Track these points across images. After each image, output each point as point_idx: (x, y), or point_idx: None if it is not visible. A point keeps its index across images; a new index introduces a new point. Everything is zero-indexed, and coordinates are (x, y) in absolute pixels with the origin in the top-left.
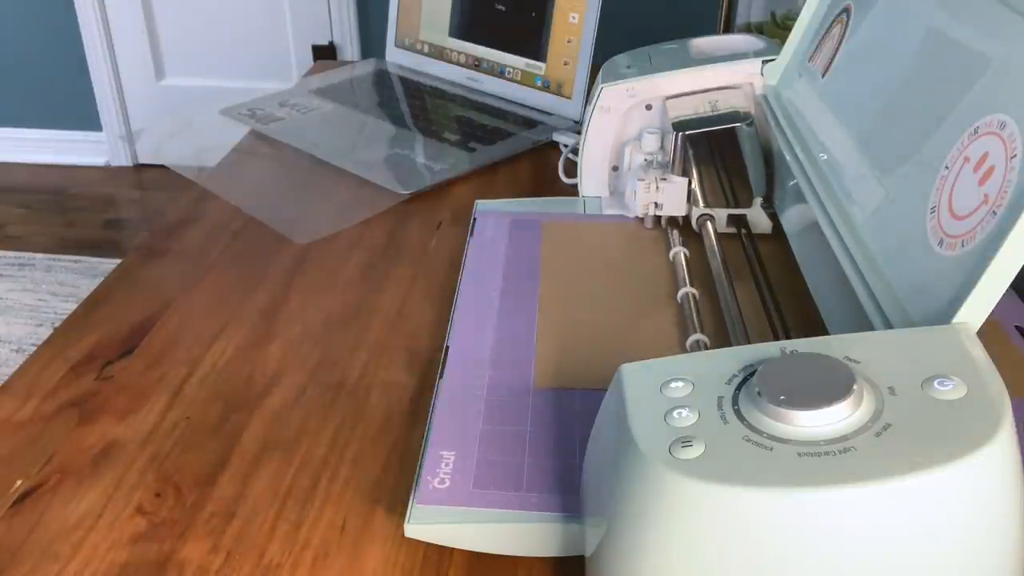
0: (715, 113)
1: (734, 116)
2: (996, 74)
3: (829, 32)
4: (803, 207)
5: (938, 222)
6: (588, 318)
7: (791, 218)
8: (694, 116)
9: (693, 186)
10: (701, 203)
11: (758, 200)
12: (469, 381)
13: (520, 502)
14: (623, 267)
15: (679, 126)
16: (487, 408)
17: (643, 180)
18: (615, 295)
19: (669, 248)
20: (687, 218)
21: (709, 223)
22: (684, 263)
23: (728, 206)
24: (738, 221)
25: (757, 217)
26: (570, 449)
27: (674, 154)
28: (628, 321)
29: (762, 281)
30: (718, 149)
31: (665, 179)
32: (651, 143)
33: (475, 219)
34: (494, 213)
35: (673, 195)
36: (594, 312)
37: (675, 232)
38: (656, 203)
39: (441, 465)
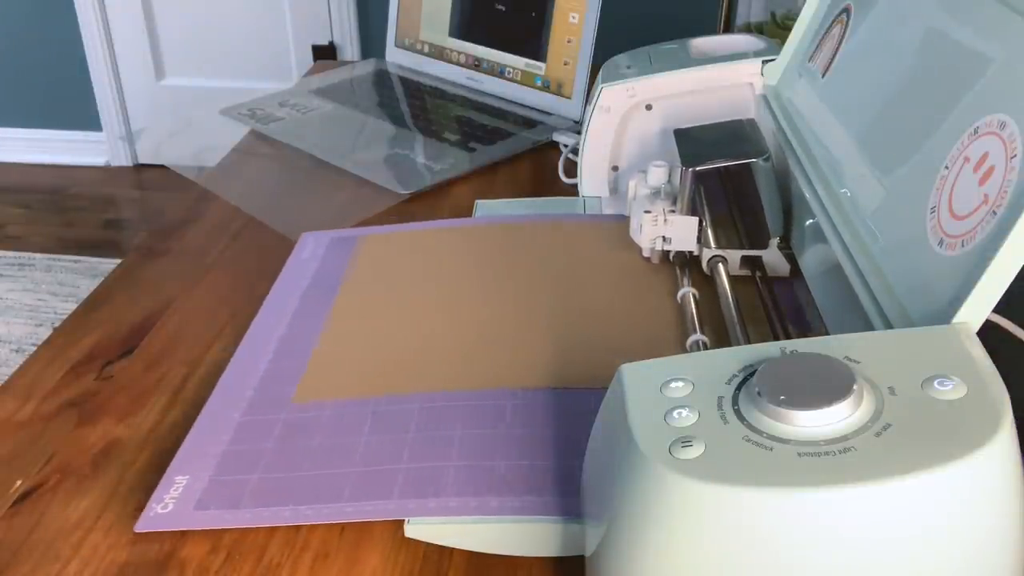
0: (728, 146)
1: (750, 151)
2: (996, 74)
3: (829, 32)
4: (824, 247)
5: (938, 222)
6: (377, 332)
7: (811, 260)
8: (703, 148)
9: (704, 225)
10: (713, 244)
11: (775, 241)
12: (230, 403)
13: (235, 518)
14: (433, 276)
15: (689, 161)
16: (237, 428)
17: (650, 212)
18: (418, 306)
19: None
20: (697, 257)
21: (721, 265)
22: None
23: (742, 247)
24: (753, 263)
25: (773, 259)
26: (300, 462)
27: (683, 191)
28: (422, 329)
29: (779, 329)
30: (732, 185)
31: (674, 211)
32: (657, 177)
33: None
34: (316, 233)
35: (683, 228)
36: (383, 326)
37: (685, 272)
38: (664, 237)
39: (170, 490)
